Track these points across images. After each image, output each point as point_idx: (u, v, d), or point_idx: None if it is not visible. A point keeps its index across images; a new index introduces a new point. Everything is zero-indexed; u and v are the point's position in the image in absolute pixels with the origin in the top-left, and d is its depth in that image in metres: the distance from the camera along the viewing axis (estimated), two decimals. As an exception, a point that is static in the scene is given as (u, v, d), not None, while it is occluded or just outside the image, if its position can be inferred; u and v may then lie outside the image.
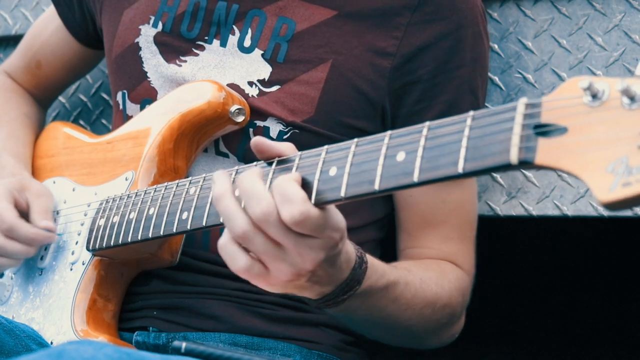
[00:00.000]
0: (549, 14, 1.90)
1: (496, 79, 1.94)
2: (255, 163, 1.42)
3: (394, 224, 1.86)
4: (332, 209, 1.30)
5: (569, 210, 1.86)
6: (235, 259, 1.32)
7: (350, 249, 1.41)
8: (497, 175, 1.93)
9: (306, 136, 1.71)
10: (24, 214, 1.84)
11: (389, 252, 1.81)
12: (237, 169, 1.45)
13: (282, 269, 1.31)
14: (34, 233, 1.79)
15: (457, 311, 1.73)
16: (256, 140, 1.38)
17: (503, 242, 1.84)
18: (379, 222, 1.84)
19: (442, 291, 1.67)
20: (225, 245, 1.33)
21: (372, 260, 1.48)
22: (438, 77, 1.72)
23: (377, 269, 1.50)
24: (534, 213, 1.90)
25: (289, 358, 1.69)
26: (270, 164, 1.38)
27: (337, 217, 1.31)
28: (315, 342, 1.75)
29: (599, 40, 1.85)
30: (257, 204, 1.27)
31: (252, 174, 1.31)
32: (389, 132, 1.22)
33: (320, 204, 1.28)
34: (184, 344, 1.67)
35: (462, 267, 1.77)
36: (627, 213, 1.79)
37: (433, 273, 1.69)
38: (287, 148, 1.38)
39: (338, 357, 1.77)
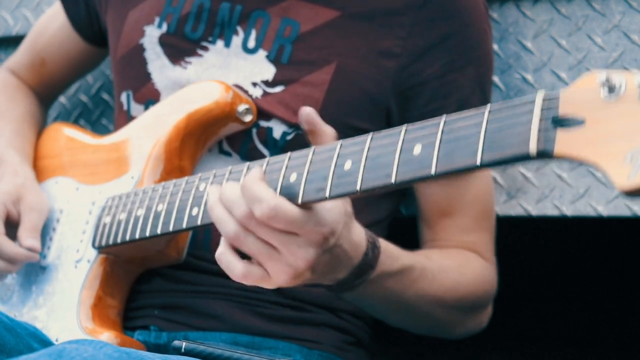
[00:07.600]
0: (548, 14, 1.91)
1: (496, 79, 1.95)
2: (247, 163, 1.45)
3: (397, 224, 1.87)
4: (318, 206, 1.31)
5: (568, 211, 1.86)
6: (232, 267, 1.36)
7: (356, 236, 1.41)
8: (496, 176, 1.93)
9: None
10: (16, 225, 1.85)
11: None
12: (230, 170, 1.47)
13: (279, 269, 1.33)
14: (16, 253, 1.80)
15: (482, 300, 1.75)
16: (306, 111, 1.39)
17: (502, 243, 1.84)
18: (382, 222, 1.84)
19: (464, 279, 1.69)
20: (222, 255, 1.37)
21: (385, 245, 1.51)
22: (447, 77, 1.73)
23: (392, 253, 1.52)
24: (533, 213, 1.90)
25: (290, 358, 1.69)
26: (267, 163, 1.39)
27: (323, 213, 1.32)
28: (316, 341, 1.76)
29: (599, 41, 1.86)
30: (236, 208, 1.31)
31: (231, 182, 1.35)
32: (404, 126, 1.23)
33: (315, 201, 1.29)
34: (184, 344, 1.68)
35: (484, 257, 1.78)
36: (627, 213, 1.81)
37: (454, 261, 1.70)
38: (330, 132, 1.39)
39: (339, 357, 1.77)
